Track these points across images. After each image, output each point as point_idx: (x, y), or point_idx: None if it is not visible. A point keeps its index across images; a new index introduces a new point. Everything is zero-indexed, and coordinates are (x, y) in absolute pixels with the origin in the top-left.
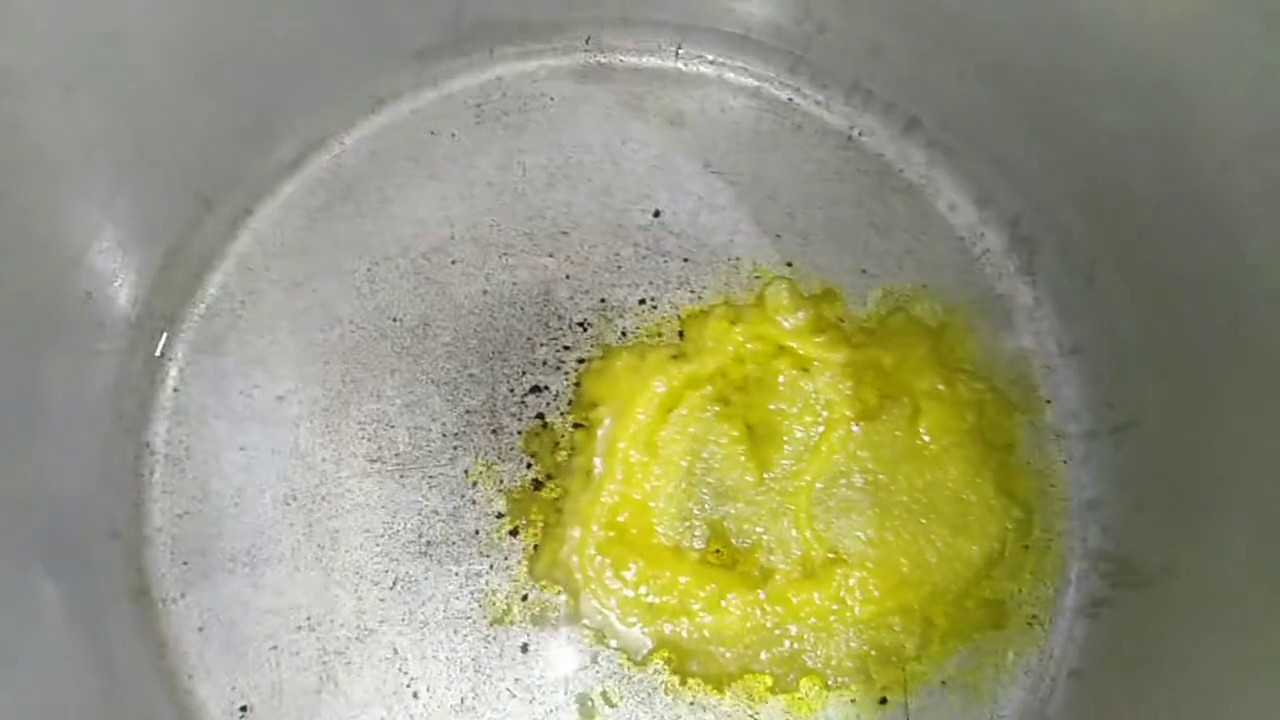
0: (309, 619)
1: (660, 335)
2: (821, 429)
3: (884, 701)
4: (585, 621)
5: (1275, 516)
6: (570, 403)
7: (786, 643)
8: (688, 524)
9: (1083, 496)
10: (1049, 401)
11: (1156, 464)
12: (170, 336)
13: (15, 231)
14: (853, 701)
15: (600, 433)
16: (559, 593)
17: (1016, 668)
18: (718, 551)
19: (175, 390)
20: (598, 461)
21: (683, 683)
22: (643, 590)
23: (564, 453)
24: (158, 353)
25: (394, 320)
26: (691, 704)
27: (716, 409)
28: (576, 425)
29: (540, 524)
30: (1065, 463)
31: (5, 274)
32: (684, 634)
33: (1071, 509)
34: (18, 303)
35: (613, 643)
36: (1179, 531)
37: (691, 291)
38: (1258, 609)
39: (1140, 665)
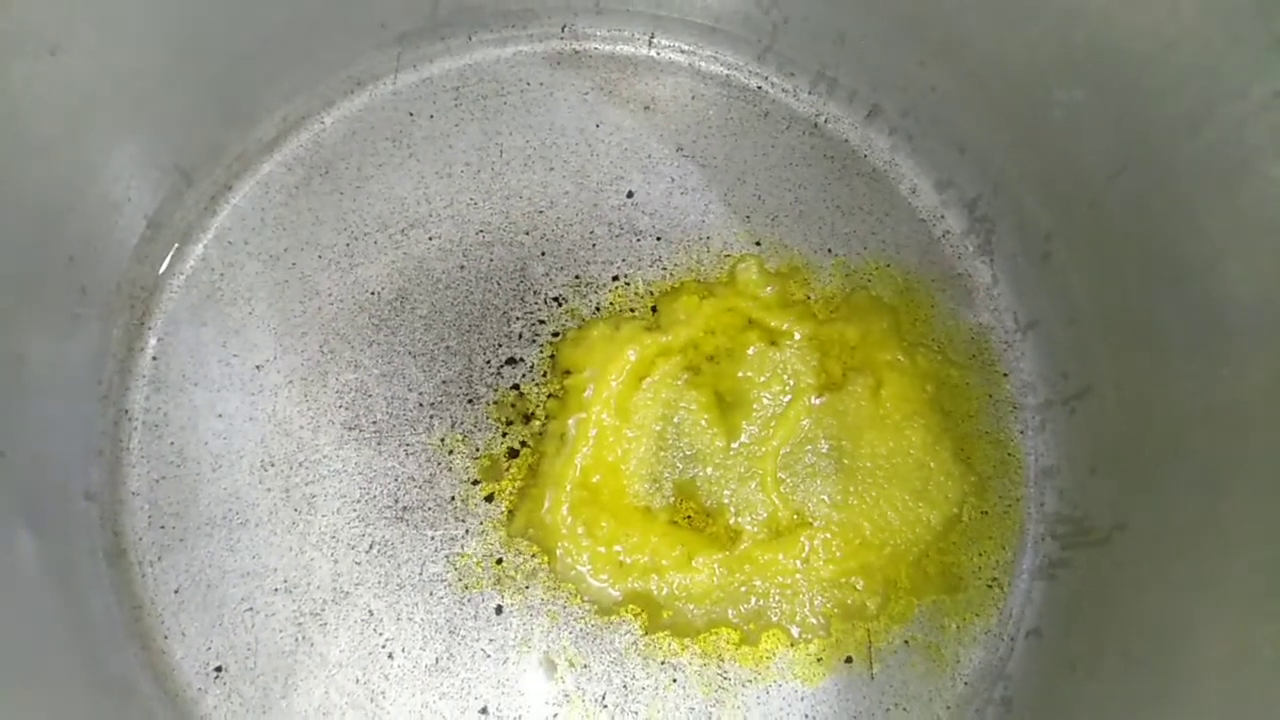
0: (285, 582)
1: (633, 311)
2: (788, 398)
3: (849, 661)
4: (558, 580)
5: (1222, 468)
6: (545, 374)
7: (753, 599)
8: (658, 486)
9: (1039, 464)
10: (1006, 375)
11: (1110, 429)
12: (150, 305)
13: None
14: (819, 660)
15: (574, 398)
16: (534, 555)
17: (977, 629)
18: (688, 518)
19: (154, 358)
20: (571, 425)
21: (651, 639)
22: (615, 549)
23: (539, 421)
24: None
25: (372, 293)
26: (662, 664)
27: (687, 377)
28: (550, 395)
29: (515, 489)
30: (1022, 433)
31: None
32: (653, 590)
33: (1029, 476)
34: (1, 260)
35: (585, 600)
36: (1132, 491)
37: (664, 269)
38: (1207, 558)
39: (1096, 621)
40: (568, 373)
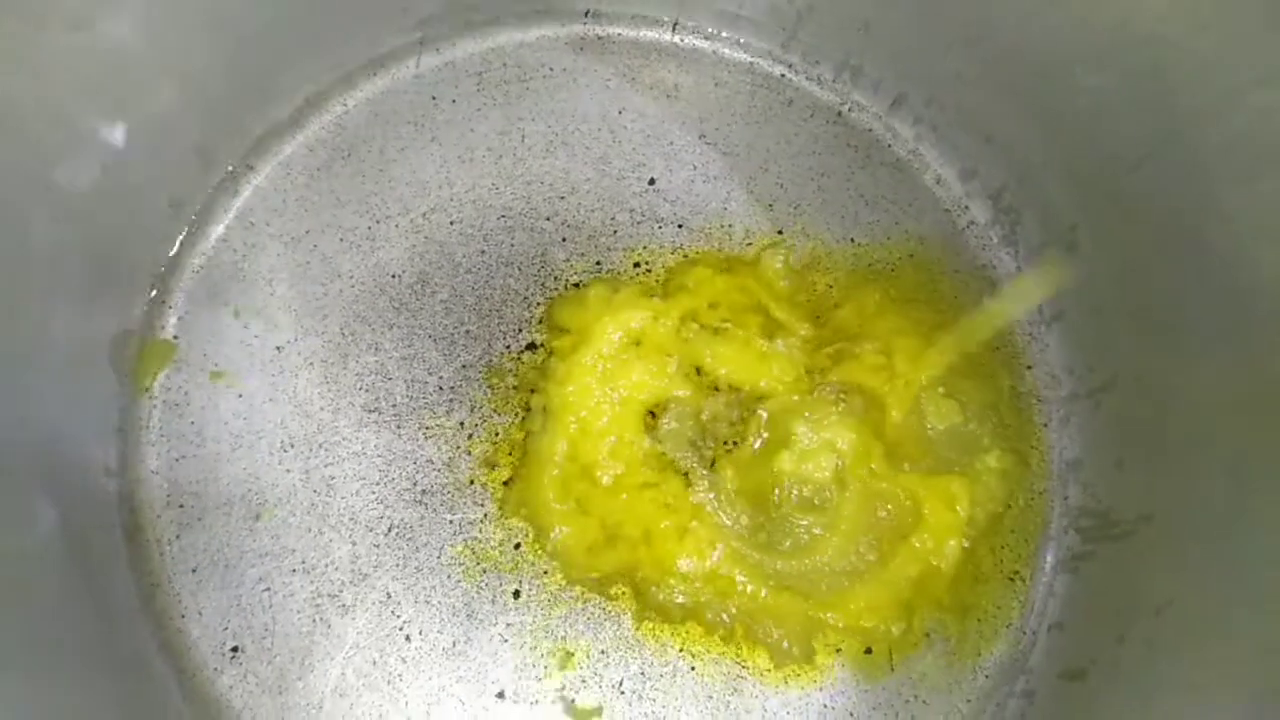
0: (303, 563)
1: (653, 298)
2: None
3: (869, 652)
4: (549, 555)
5: (1250, 458)
6: None
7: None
8: (647, 466)
9: (1064, 457)
10: (1029, 367)
11: (1135, 421)
12: (171, 285)
13: (20, 164)
14: (838, 651)
15: (563, 367)
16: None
17: (999, 622)
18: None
19: (175, 338)
20: (554, 398)
21: (667, 625)
22: (603, 527)
23: None
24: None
25: (393, 276)
26: (680, 651)
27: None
28: (533, 368)
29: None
30: (1046, 425)
31: (9, 205)
32: (641, 573)
33: (1052, 470)
34: (22, 237)
35: (583, 582)
36: (1158, 483)
37: (684, 256)
38: (1234, 549)
39: (1118, 614)
40: (563, 331)
